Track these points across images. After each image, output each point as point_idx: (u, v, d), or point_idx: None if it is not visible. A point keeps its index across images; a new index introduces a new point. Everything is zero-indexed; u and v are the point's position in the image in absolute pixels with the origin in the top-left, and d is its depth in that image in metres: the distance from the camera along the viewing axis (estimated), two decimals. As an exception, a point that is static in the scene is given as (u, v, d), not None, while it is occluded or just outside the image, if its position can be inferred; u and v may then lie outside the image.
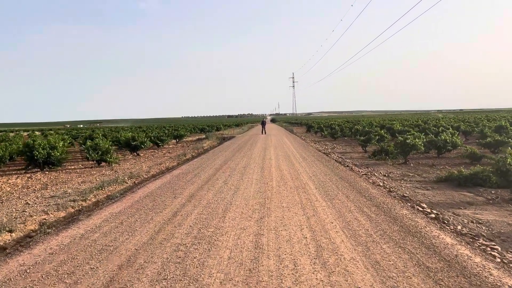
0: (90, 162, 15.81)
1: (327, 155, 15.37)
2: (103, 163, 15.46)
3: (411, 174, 10.53)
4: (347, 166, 12.10)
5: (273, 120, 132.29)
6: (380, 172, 10.91)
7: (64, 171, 14.10)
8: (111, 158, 15.20)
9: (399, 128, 26.30)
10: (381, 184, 8.56)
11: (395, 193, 7.54)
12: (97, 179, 11.41)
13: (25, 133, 64.88)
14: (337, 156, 15.40)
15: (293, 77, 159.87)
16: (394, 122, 41.58)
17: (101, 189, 9.37)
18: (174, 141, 31.22)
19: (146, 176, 11.76)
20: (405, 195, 7.28)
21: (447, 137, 14.48)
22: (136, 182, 10.81)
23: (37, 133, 69.04)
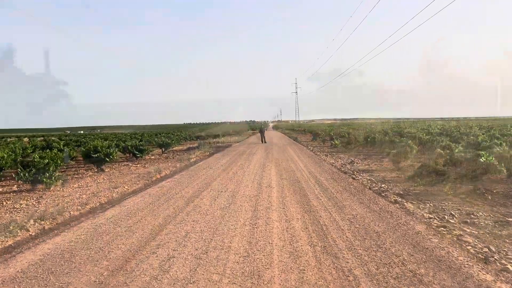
0: (26, 184, 11.52)
1: (352, 178, 10.96)
2: (39, 185, 11.17)
3: None
4: (394, 200, 7.68)
5: (275, 127, 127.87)
6: (452, 214, 6.55)
7: (-23, 197, 9.81)
8: (49, 179, 10.91)
9: (426, 137, 21.85)
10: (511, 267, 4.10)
11: None
12: (-8, 220, 7.10)
13: (10, 139, 60.82)
14: (366, 178, 10.98)
15: (296, 83, 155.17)
16: (409, 129, 37.12)
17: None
18: (160, 150, 27.07)
19: (74, 214, 7.43)
20: None
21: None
22: (45, 228, 6.50)
23: (25, 139, 64.91)
